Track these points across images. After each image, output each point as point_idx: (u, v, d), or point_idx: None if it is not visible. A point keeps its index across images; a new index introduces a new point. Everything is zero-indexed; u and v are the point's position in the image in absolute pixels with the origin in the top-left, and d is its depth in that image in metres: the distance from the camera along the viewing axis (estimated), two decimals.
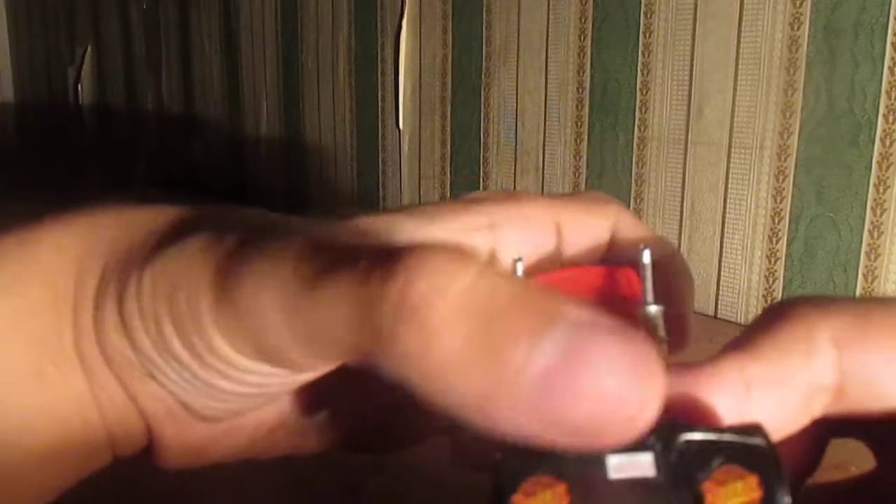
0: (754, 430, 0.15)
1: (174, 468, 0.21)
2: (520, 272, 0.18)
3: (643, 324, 0.18)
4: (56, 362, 0.20)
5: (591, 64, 0.68)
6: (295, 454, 0.23)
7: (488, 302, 0.13)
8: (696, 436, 0.15)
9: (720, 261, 0.62)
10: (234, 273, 0.17)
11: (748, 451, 0.15)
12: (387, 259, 0.14)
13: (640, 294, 0.19)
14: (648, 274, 0.19)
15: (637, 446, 0.14)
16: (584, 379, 0.13)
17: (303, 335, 0.16)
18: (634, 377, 0.13)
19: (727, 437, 0.15)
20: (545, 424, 0.13)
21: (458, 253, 0.14)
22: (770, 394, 0.16)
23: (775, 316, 0.17)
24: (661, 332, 0.18)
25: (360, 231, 0.20)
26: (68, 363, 0.20)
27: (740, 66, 0.59)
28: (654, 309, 0.18)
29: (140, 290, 0.18)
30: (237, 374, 0.18)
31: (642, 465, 0.14)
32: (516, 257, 0.18)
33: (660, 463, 0.14)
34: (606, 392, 0.13)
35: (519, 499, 0.14)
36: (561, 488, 0.14)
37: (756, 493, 0.14)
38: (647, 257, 0.19)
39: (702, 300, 0.63)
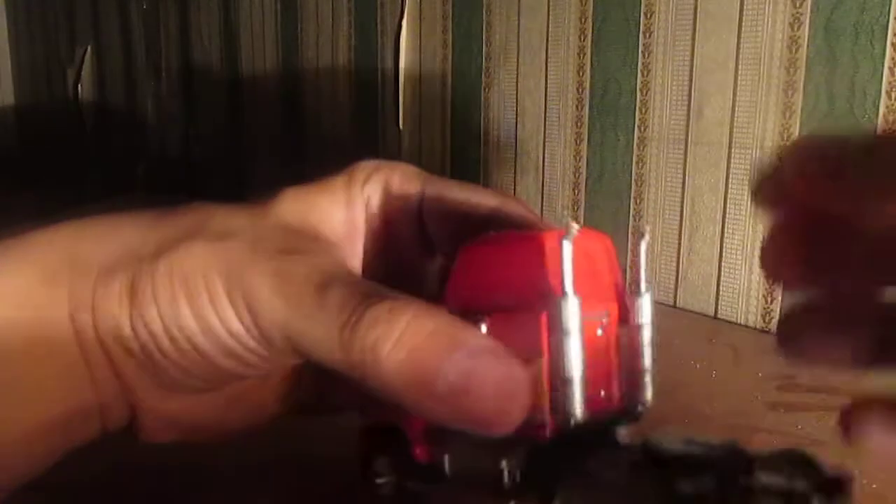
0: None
1: (150, 439, 0.26)
2: (574, 231, 0.21)
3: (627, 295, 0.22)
4: (54, 331, 0.23)
5: (591, 64, 0.68)
6: (253, 422, 0.28)
7: (415, 335, 0.20)
8: None
9: (720, 261, 0.62)
10: (248, 283, 0.22)
11: None
12: (357, 308, 0.21)
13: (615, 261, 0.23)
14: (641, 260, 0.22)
15: None
16: (477, 391, 0.20)
17: (291, 340, 0.22)
18: (507, 390, 0.20)
19: None
20: (455, 418, 0.20)
21: (396, 306, 0.21)
22: None
23: None
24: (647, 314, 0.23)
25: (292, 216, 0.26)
26: (65, 332, 0.24)
27: (740, 66, 0.59)
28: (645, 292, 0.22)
29: (154, 271, 0.23)
30: (235, 347, 0.23)
31: None
32: (573, 223, 0.22)
33: None
34: (491, 401, 0.20)
35: None
36: None
37: None
38: (644, 243, 0.22)
39: (702, 300, 0.63)
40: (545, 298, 0.21)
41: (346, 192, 0.28)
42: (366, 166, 0.29)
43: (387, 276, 0.28)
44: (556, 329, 0.21)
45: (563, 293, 0.20)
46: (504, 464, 0.22)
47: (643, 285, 0.23)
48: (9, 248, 0.24)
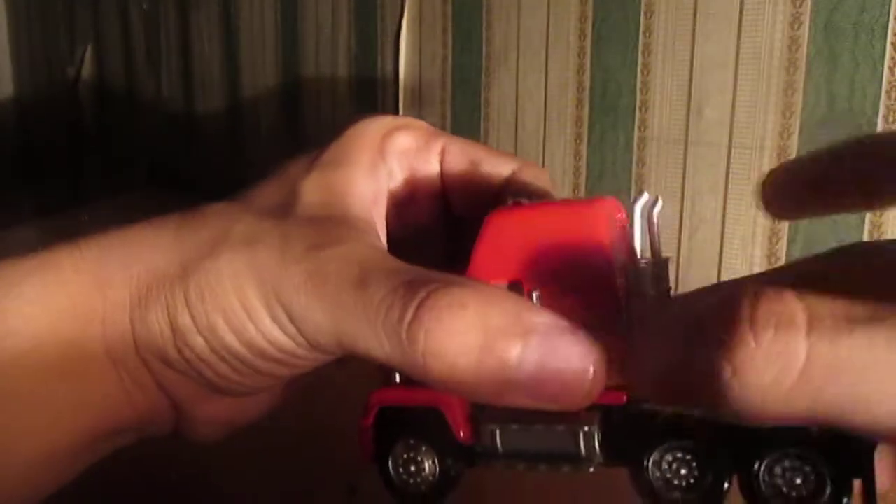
0: None
1: (201, 439, 0.26)
2: (645, 198, 0.21)
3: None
4: (85, 362, 0.23)
5: (591, 64, 0.68)
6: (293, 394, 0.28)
7: (485, 329, 0.19)
8: None
9: (720, 261, 0.62)
10: (284, 292, 0.22)
11: None
12: (409, 305, 0.19)
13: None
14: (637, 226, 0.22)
15: None
16: (557, 374, 0.19)
17: (342, 345, 0.21)
18: (584, 366, 0.19)
19: None
20: (535, 402, 0.19)
21: (453, 301, 0.19)
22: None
23: None
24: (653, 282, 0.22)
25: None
26: (97, 363, 0.24)
27: (740, 66, 0.59)
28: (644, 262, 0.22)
29: (189, 303, 0.22)
30: (282, 357, 0.23)
31: None
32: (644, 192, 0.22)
33: None
34: (569, 377, 0.19)
35: None
36: None
37: None
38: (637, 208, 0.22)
39: None
40: (611, 266, 0.21)
41: (369, 159, 0.26)
42: (379, 126, 0.27)
43: (408, 237, 0.28)
44: (633, 295, 0.21)
45: (637, 259, 0.20)
46: (581, 431, 0.22)
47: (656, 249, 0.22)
48: (33, 273, 0.24)
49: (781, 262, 0.59)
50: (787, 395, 0.15)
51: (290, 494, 0.38)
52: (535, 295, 0.22)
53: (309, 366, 0.24)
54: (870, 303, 0.15)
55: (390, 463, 0.24)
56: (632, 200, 0.21)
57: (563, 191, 0.72)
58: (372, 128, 0.27)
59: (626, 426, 0.21)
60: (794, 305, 0.15)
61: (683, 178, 0.63)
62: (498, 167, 0.28)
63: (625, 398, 0.22)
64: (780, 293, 0.15)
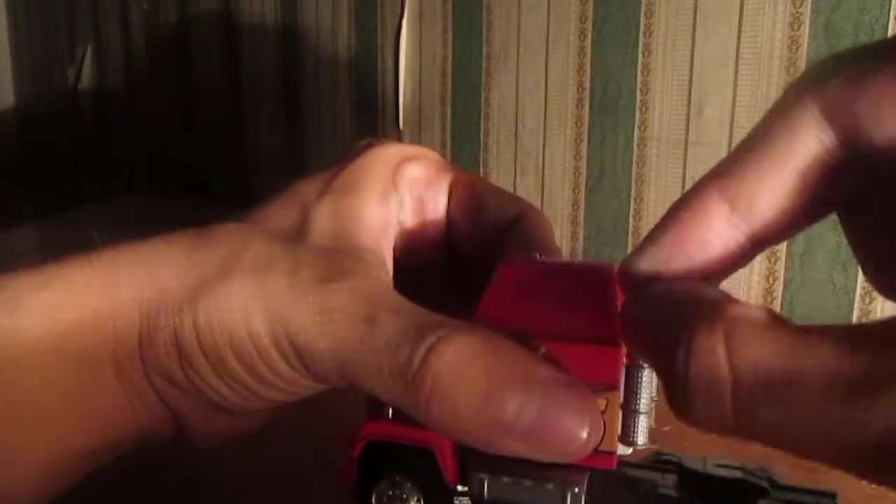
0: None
1: (199, 446, 0.27)
2: None
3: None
4: (92, 376, 0.24)
5: (591, 64, 0.68)
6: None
7: (489, 377, 0.20)
8: None
9: None
10: (291, 323, 0.22)
11: None
12: (418, 348, 0.20)
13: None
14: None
15: None
16: (555, 426, 0.19)
17: (345, 379, 0.22)
18: (581, 419, 0.20)
19: None
20: (530, 452, 0.20)
21: (461, 350, 0.20)
22: (760, 198, 0.19)
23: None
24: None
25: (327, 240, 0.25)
26: (104, 378, 0.24)
27: (740, 66, 0.59)
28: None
29: (197, 326, 0.23)
30: (285, 386, 0.24)
31: None
32: None
33: None
34: (565, 431, 0.19)
35: None
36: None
37: None
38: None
39: None
40: (616, 329, 0.21)
41: (381, 188, 0.27)
42: (392, 154, 0.28)
43: (412, 267, 0.28)
44: (633, 363, 0.21)
45: None
46: (570, 492, 0.22)
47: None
48: (45, 285, 0.24)
49: (781, 260, 0.59)
50: (719, 419, 0.16)
51: (291, 497, 0.38)
52: (540, 350, 0.22)
53: (310, 392, 0.25)
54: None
55: (373, 499, 0.25)
56: None
57: (563, 191, 0.72)
58: (385, 156, 0.27)
59: (613, 491, 0.22)
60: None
61: (683, 178, 0.63)
62: (503, 210, 0.28)
63: (615, 464, 0.22)
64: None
